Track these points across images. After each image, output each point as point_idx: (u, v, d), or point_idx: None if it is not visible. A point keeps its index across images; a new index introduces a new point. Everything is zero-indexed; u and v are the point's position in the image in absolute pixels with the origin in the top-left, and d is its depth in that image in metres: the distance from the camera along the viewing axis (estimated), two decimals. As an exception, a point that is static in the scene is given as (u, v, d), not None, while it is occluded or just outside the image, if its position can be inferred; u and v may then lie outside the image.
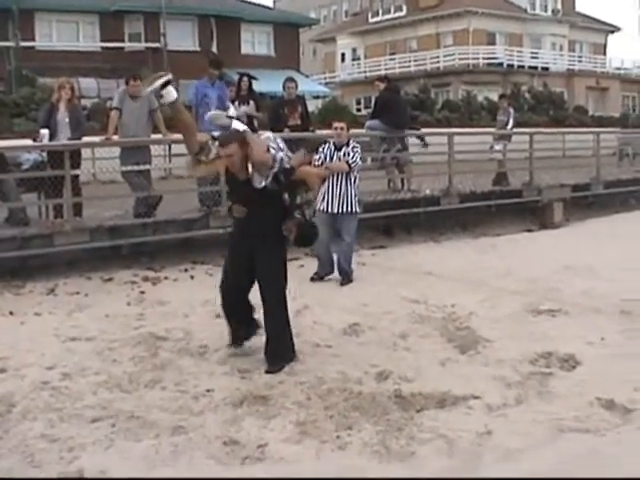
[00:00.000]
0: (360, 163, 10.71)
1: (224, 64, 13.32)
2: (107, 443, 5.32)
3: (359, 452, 5.11)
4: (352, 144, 10.59)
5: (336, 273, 10.80)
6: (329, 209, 10.52)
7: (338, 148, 10.51)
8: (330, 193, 10.50)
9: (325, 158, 10.50)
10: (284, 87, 13.89)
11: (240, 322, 7.33)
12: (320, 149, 10.71)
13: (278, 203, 6.84)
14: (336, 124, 10.59)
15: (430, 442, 5.22)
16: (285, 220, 6.85)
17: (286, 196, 6.84)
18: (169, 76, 6.67)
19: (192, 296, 9.52)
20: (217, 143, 6.73)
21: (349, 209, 10.53)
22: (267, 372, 6.74)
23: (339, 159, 10.45)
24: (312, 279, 10.72)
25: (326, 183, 10.37)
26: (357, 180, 10.67)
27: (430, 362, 7.01)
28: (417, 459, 4.99)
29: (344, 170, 10.40)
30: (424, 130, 18.08)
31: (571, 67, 53.72)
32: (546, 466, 4.87)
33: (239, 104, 14.30)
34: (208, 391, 6.32)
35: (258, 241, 6.89)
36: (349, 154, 10.43)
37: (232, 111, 12.76)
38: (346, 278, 10.65)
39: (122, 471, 4.89)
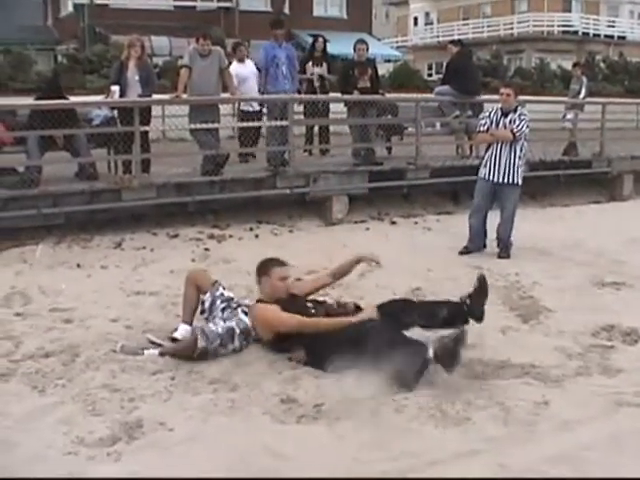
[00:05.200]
0: (526, 131, 10.19)
1: (285, 24, 13.32)
2: (166, 395, 5.42)
3: (415, 415, 5.10)
4: (520, 111, 10.17)
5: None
6: (491, 177, 10.20)
7: (505, 114, 10.09)
8: (493, 161, 10.15)
9: (491, 124, 10.18)
10: (355, 49, 13.77)
11: None
12: (486, 114, 10.44)
13: None
14: (502, 89, 10.20)
15: (486, 409, 5.19)
16: None
17: None
18: None
19: (256, 255, 9.49)
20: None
21: (512, 180, 10.15)
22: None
23: (504, 126, 10.06)
24: (461, 253, 10.32)
25: (490, 150, 10.23)
26: (524, 149, 10.25)
27: (491, 330, 6.93)
28: (472, 425, 4.98)
29: (508, 139, 10.00)
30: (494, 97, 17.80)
31: (649, 36, 52.51)
32: (601, 439, 4.82)
33: (312, 65, 14.34)
34: (269, 349, 6.36)
35: None
36: (515, 121, 10.00)
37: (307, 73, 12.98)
38: (505, 250, 10.28)
39: (179, 422, 4.98)
